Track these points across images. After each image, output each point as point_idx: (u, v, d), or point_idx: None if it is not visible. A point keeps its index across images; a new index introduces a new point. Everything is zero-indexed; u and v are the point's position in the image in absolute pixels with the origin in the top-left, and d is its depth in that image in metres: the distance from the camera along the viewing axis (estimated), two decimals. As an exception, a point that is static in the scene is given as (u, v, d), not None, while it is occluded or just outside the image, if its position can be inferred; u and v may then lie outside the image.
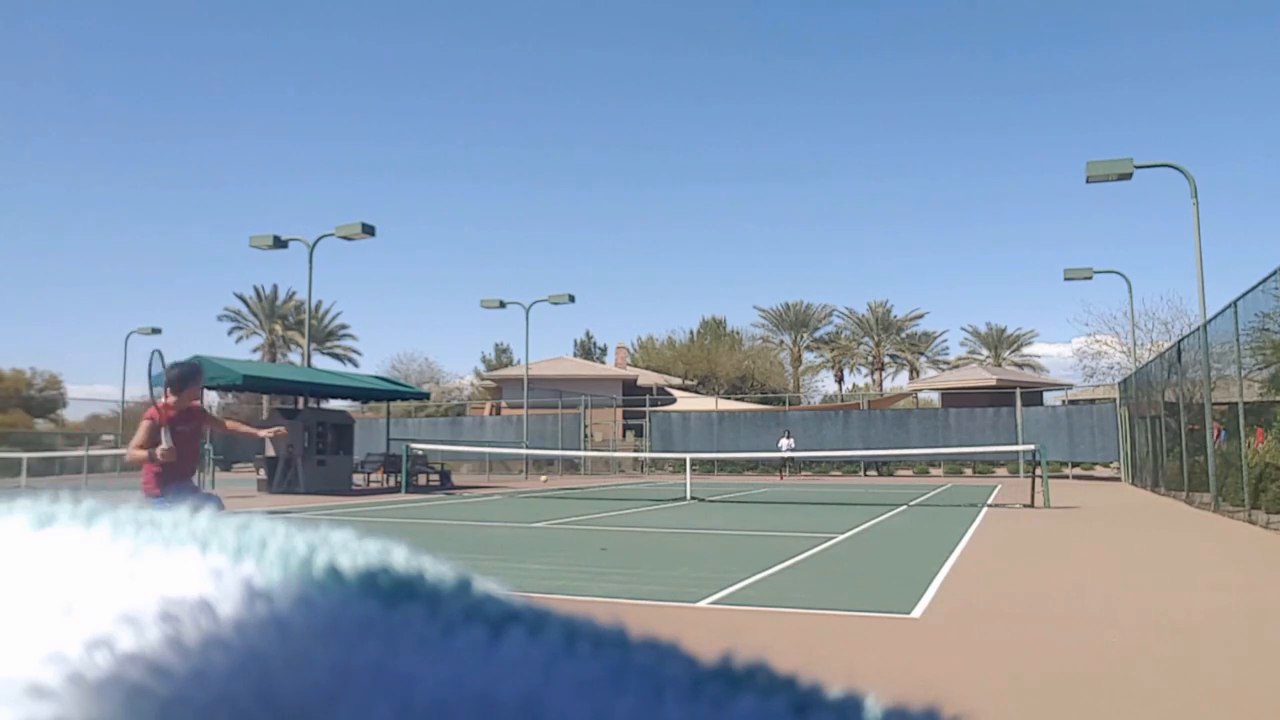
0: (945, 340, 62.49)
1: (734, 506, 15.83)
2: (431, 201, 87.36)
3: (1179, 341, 16.78)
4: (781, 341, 58.97)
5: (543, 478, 29.25)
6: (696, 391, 46.29)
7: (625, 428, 38.74)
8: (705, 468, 32.12)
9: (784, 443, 28.98)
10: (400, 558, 0.25)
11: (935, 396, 41.27)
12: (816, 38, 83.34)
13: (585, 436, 35.02)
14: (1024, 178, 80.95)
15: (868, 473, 32.01)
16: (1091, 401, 33.34)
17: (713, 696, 0.21)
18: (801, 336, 58.83)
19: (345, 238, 22.90)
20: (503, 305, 31.16)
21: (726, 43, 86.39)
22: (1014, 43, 79.95)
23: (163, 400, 5.54)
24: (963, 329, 70.55)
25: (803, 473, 31.13)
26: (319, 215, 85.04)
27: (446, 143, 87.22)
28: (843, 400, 48.25)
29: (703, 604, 5.97)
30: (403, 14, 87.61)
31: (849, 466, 32.28)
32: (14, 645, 0.21)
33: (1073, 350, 49.63)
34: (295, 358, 53.53)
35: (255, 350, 54.66)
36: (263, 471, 20.80)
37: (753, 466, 32.80)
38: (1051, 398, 36.94)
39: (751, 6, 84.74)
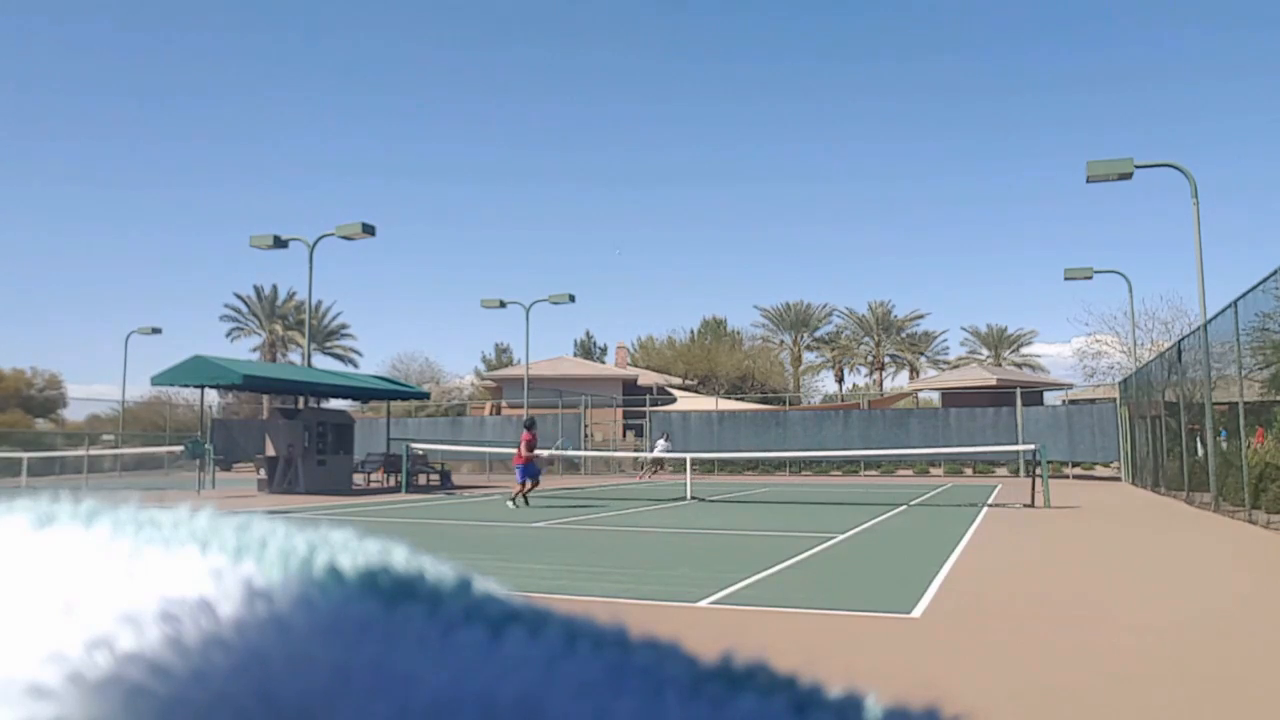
0: (945, 340, 62.56)
1: (734, 506, 15.83)
2: (431, 201, 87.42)
3: (1179, 341, 16.77)
4: (782, 341, 58.99)
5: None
6: (696, 391, 46.28)
7: (625, 428, 38.73)
8: (705, 468, 32.12)
9: (660, 443, 29.26)
10: (400, 558, 0.25)
11: (935, 396, 41.26)
12: (817, 38, 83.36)
13: (585, 436, 35.01)
14: (1024, 178, 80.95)
15: (868, 472, 32.01)
16: (1091, 401, 33.33)
17: (713, 696, 0.21)
18: (802, 336, 58.82)
19: (345, 238, 22.91)
20: (503, 305, 31.16)
21: (727, 43, 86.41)
22: (1014, 43, 79.97)
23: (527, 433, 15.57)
24: (963, 329, 70.57)
25: (659, 473, 30.64)
26: (319, 215, 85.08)
27: (446, 143, 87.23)
28: (843, 400, 48.25)
29: (703, 604, 5.98)
30: (403, 14, 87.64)
31: (849, 466, 32.29)
32: (14, 645, 0.21)
33: (1073, 350, 49.68)
34: (295, 358, 53.54)
35: (255, 350, 54.70)
36: (263, 471, 20.79)
37: (753, 466, 32.80)
38: (1052, 398, 36.94)
39: (752, 7, 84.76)
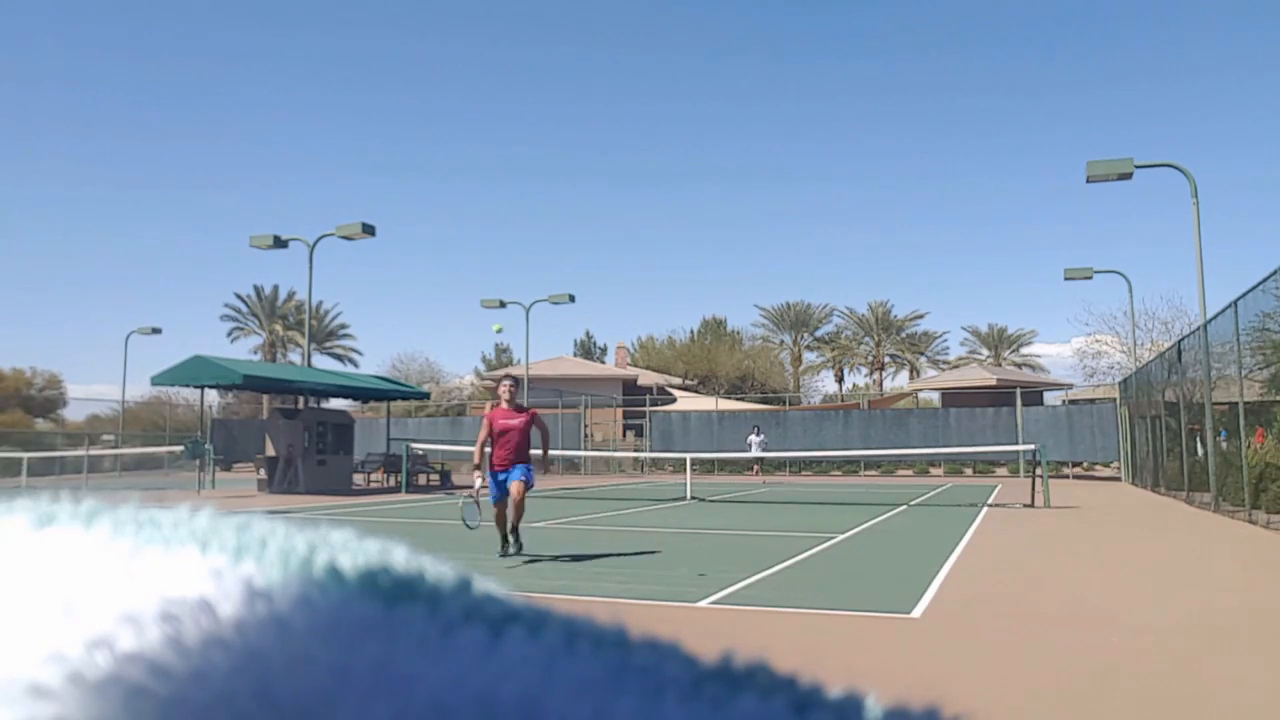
0: (945, 340, 62.47)
1: (734, 506, 15.83)
2: (431, 201, 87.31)
3: (1179, 341, 16.78)
4: (782, 341, 58.96)
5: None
6: (696, 391, 46.27)
7: (625, 428, 38.73)
8: (705, 468, 32.12)
9: (753, 439, 27.91)
10: (400, 558, 0.25)
11: (935, 396, 41.26)
12: (817, 38, 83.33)
13: (585, 436, 35.01)
14: (1024, 178, 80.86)
15: (867, 472, 32.02)
16: (1091, 401, 33.32)
17: (713, 696, 0.21)
18: (802, 336, 58.81)
19: (345, 238, 22.91)
20: (503, 305, 31.16)
21: (727, 43, 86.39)
22: (1014, 43, 79.93)
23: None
24: (963, 329, 70.56)
25: (774, 473, 30.20)
26: (319, 215, 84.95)
27: (446, 143, 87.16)
28: (843, 400, 48.24)
29: (703, 604, 5.98)
30: (403, 14, 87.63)
31: (849, 466, 32.29)
32: (14, 645, 0.21)
33: (1073, 350, 49.67)
34: (295, 358, 53.53)
35: (255, 350, 54.66)
36: (263, 471, 20.79)
37: (752, 467, 32.83)
38: (1052, 398, 36.93)
39: (751, 7, 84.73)
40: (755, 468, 28.85)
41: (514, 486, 7.94)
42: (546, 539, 10.22)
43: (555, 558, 8.45)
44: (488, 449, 8.18)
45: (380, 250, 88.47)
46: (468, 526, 8.22)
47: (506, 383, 8.30)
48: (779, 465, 32.40)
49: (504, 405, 8.22)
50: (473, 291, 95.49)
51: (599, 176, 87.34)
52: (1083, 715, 3.65)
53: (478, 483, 8.11)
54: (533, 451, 8.15)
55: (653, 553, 8.90)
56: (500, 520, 8.19)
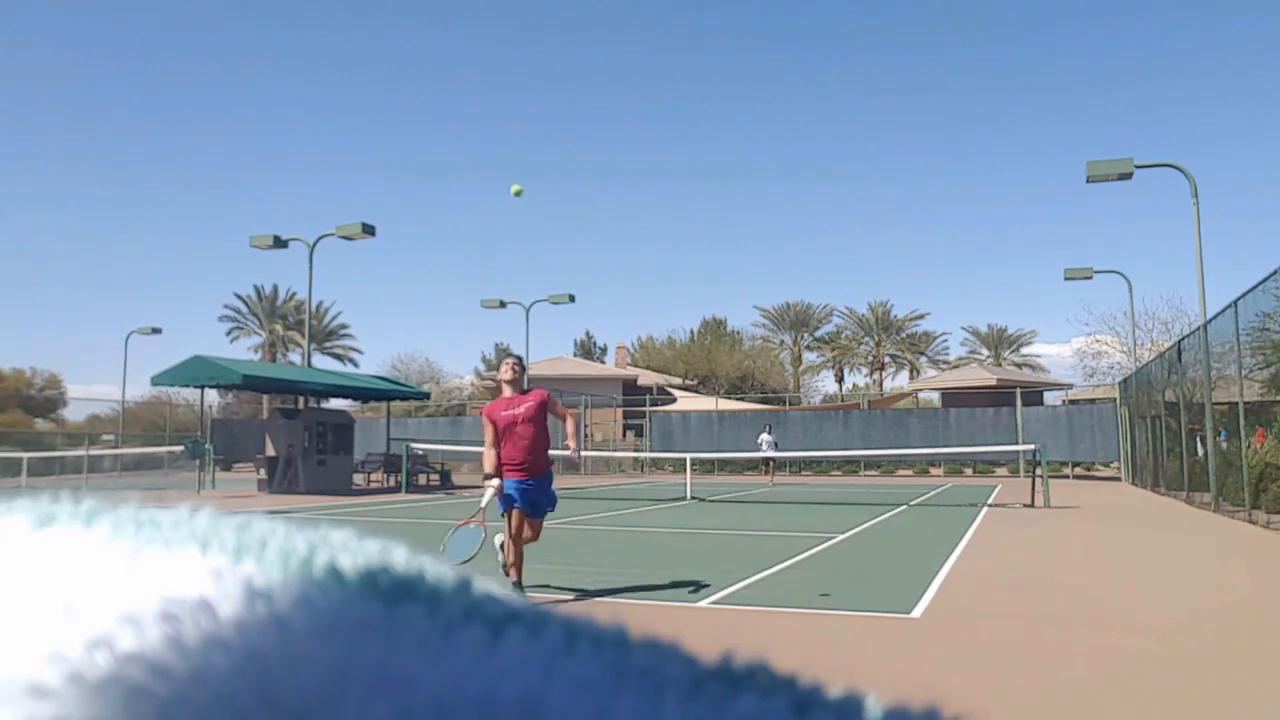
0: (945, 340, 62.43)
1: (734, 506, 15.83)
2: (431, 201, 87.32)
3: (1179, 341, 16.77)
4: (782, 341, 58.97)
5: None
6: (697, 391, 46.27)
7: (625, 428, 38.73)
8: (705, 468, 32.11)
9: (765, 438, 26.59)
10: (400, 558, 0.25)
11: (935, 396, 41.25)
12: (816, 38, 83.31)
13: (585, 436, 35.01)
14: (1024, 178, 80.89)
15: (867, 472, 32.00)
16: (1091, 401, 33.32)
17: (713, 696, 0.21)
18: (802, 336, 58.82)
19: (345, 238, 22.91)
20: (503, 305, 31.18)
21: (726, 43, 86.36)
22: (1014, 43, 79.89)
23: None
24: (963, 329, 70.56)
25: (777, 473, 28.65)
26: (319, 215, 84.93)
27: (446, 143, 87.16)
28: (843, 400, 48.24)
29: (703, 604, 5.98)
30: (403, 14, 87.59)
31: (849, 466, 32.28)
32: (14, 645, 0.21)
33: (1073, 350, 49.69)
34: (295, 357, 53.53)
35: (255, 350, 54.68)
36: (263, 471, 20.79)
37: (753, 466, 32.82)
38: (1052, 398, 36.93)
39: (751, 7, 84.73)
40: (765, 469, 27.68)
41: (532, 525, 6.51)
42: (547, 539, 10.21)
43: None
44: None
45: (380, 250, 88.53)
46: (457, 563, 6.97)
47: (509, 360, 6.59)
48: (779, 465, 32.41)
49: (506, 392, 6.53)
50: (473, 291, 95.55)
51: (599, 176, 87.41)
52: (1083, 715, 3.65)
53: (488, 495, 6.64)
54: (553, 451, 6.81)
55: (653, 553, 8.90)
56: (513, 545, 6.50)
